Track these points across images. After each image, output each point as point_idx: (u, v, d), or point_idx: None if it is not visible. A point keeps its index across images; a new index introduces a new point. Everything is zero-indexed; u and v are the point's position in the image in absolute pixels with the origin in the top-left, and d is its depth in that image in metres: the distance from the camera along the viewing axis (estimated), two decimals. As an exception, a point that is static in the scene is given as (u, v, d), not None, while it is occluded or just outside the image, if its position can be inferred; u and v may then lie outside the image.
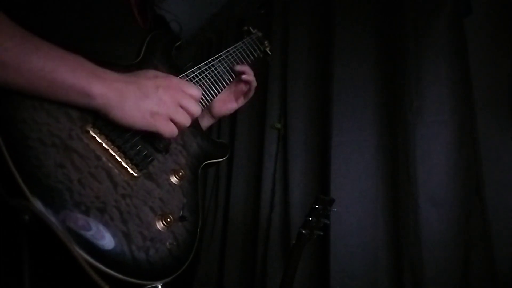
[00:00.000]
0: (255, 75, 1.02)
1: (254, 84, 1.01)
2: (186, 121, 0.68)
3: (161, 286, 0.58)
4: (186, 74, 0.84)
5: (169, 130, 0.66)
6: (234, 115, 2.44)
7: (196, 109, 0.70)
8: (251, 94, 1.03)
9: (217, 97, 0.92)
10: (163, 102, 0.65)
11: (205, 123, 1.02)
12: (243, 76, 0.99)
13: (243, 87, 1.02)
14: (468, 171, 1.35)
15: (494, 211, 1.28)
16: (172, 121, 0.66)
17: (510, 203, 1.28)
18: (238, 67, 0.98)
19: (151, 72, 0.69)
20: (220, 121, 2.55)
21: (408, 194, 1.45)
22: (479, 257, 1.28)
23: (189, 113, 0.69)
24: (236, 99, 1.04)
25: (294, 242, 1.26)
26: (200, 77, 0.87)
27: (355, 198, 1.62)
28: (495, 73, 1.39)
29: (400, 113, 1.54)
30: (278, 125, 2.07)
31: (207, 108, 0.95)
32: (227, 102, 1.03)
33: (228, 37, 2.60)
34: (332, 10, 1.86)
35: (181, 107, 0.67)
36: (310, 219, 1.24)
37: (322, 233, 1.28)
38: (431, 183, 1.42)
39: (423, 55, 1.50)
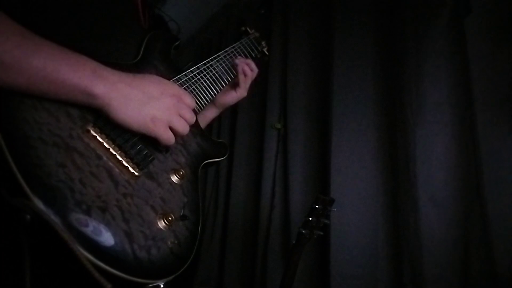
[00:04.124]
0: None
1: (249, 73, 1.04)
2: (185, 129, 0.69)
3: (163, 285, 0.58)
4: (185, 74, 0.85)
5: (167, 137, 0.66)
6: (234, 115, 2.44)
7: (192, 118, 0.72)
8: (248, 80, 1.06)
9: None
10: (165, 108, 0.65)
11: (210, 114, 1.06)
12: (240, 68, 1.02)
13: (241, 76, 1.04)
14: (468, 171, 1.35)
15: (494, 211, 1.28)
16: (171, 128, 0.67)
17: (510, 203, 1.29)
18: (236, 61, 1.02)
19: (155, 77, 0.70)
20: (220, 121, 2.55)
21: (408, 194, 1.45)
22: (479, 257, 1.28)
23: (186, 121, 0.70)
24: (236, 88, 1.05)
25: (294, 242, 1.26)
26: (198, 77, 0.88)
27: (355, 198, 1.62)
28: (495, 73, 1.40)
29: (400, 113, 1.54)
30: (278, 125, 2.07)
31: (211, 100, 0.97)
32: (227, 92, 1.05)
33: (228, 37, 2.60)
34: (332, 10, 1.86)
35: (180, 116, 0.69)
36: (310, 219, 1.24)
37: (322, 233, 1.28)
38: (431, 183, 1.42)
39: (423, 55, 1.50)
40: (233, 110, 2.45)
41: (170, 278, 0.60)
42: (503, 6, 1.38)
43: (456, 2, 1.45)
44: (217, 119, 2.54)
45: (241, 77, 1.03)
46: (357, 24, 1.78)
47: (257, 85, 2.20)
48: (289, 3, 2.17)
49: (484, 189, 1.30)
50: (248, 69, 1.03)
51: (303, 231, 1.23)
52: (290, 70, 2.05)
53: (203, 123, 1.04)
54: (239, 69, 1.02)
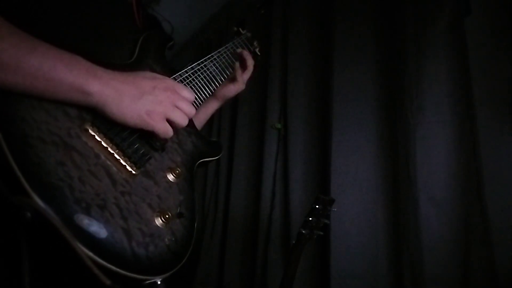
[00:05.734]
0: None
1: (250, 65, 1.09)
2: (183, 120, 0.69)
3: (160, 281, 0.59)
4: (179, 74, 0.86)
5: (164, 129, 0.67)
6: (234, 116, 2.45)
7: (191, 110, 0.72)
8: (248, 73, 1.10)
9: None
10: (159, 101, 0.66)
11: (212, 105, 1.10)
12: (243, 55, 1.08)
13: (240, 69, 1.08)
14: (468, 171, 1.35)
15: (494, 211, 1.28)
16: (168, 120, 0.67)
17: (510, 203, 1.28)
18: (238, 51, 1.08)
19: (148, 73, 0.70)
20: (220, 121, 2.55)
21: (408, 194, 1.45)
22: (479, 257, 1.28)
23: (185, 113, 0.70)
24: (235, 80, 1.08)
25: (294, 242, 1.26)
26: (193, 77, 0.89)
27: (355, 198, 1.62)
28: (495, 73, 1.39)
29: (400, 113, 1.54)
30: (278, 125, 2.07)
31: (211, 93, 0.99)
32: (228, 84, 1.08)
33: (228, 37, 2.60)
34: (332, 10, 1.87)
35: (177, 107, 0.69)
36: (310, 219, 1.24)
37: (322, 233, 1.28)
38: (431, 183, 1.42)
39: (423, 55, 1.50)
40: (233, 110, 2.46)
41: (167, 274, 0.61)
42: (503, 6, 1.38)
43: (456, 2, 1.46)
44: (217, 119, 2.55)
45: (238, 72, 1.07)
46: (357, 24, 1.78)
47: (257, 85, 2.23)
48: (289, 3, 2.17)
49: (484, 189, 1.30)
50: (249, 59, 1.08)
51: (303, 231, 1.24)
52: (290, 70, 2.06)
53: (204, 117, 1.08)
54: (242, 57, 1.07)
